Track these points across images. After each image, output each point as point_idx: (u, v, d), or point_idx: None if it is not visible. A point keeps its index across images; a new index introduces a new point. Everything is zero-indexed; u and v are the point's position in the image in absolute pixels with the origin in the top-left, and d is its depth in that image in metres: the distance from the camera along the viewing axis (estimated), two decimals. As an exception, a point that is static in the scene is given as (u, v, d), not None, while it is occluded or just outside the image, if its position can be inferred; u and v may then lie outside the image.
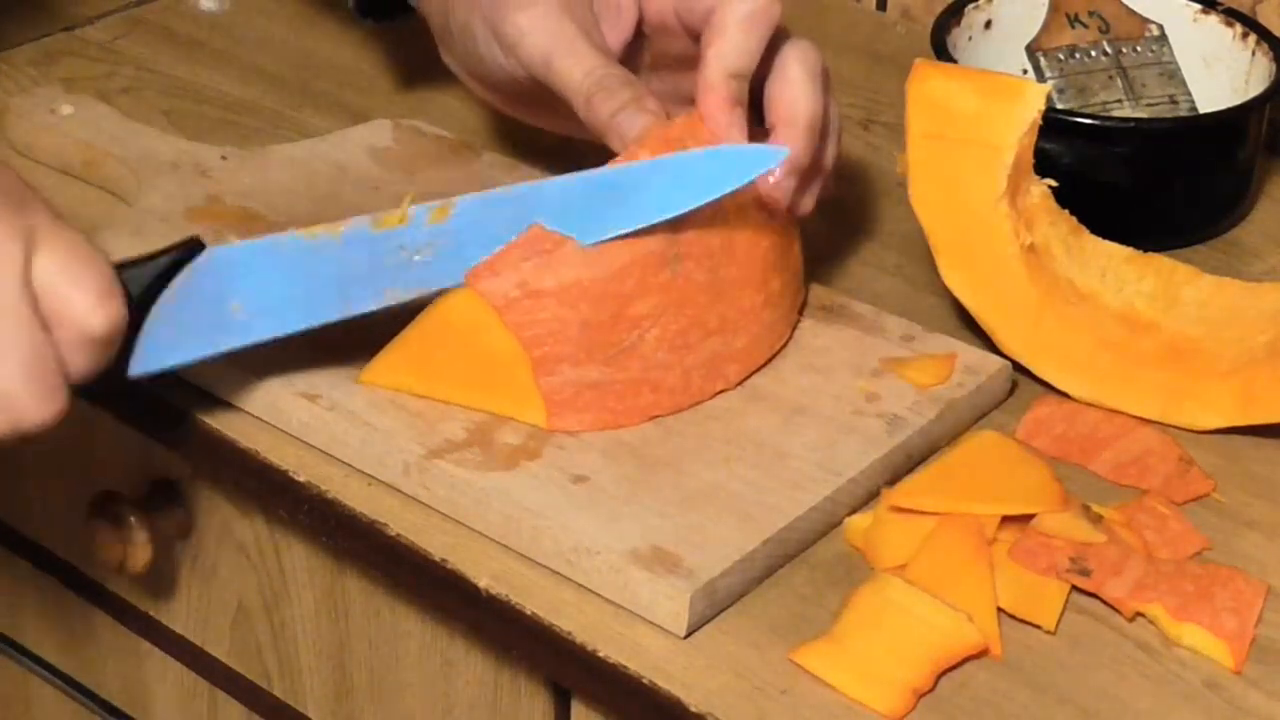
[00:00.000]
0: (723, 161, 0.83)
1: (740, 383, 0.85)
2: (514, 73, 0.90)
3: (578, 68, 0.86)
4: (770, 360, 0.87)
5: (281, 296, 0.81)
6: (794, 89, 0.86)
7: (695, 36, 0.88)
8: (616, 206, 0.81)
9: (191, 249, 0.79)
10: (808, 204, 0.88)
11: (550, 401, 0.82)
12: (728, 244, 0.84)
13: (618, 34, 0.91)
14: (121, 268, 0.76)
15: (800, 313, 0.89)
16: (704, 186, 0.82)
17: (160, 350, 0.79)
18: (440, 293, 0.82)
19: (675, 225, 0.82)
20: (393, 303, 0.82)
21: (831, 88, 0.89)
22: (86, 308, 0.73)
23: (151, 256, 0.79)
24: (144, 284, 0.78)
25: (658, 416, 0.83)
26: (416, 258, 0.82)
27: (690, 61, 0.88)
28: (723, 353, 0.84)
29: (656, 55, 0.93)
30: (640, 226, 0.81)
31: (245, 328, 0.80)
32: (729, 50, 0.85)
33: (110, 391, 0.80)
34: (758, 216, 0.85)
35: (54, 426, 0.74)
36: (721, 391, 0.85)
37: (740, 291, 0.84)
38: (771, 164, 0.84)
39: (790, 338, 0.88)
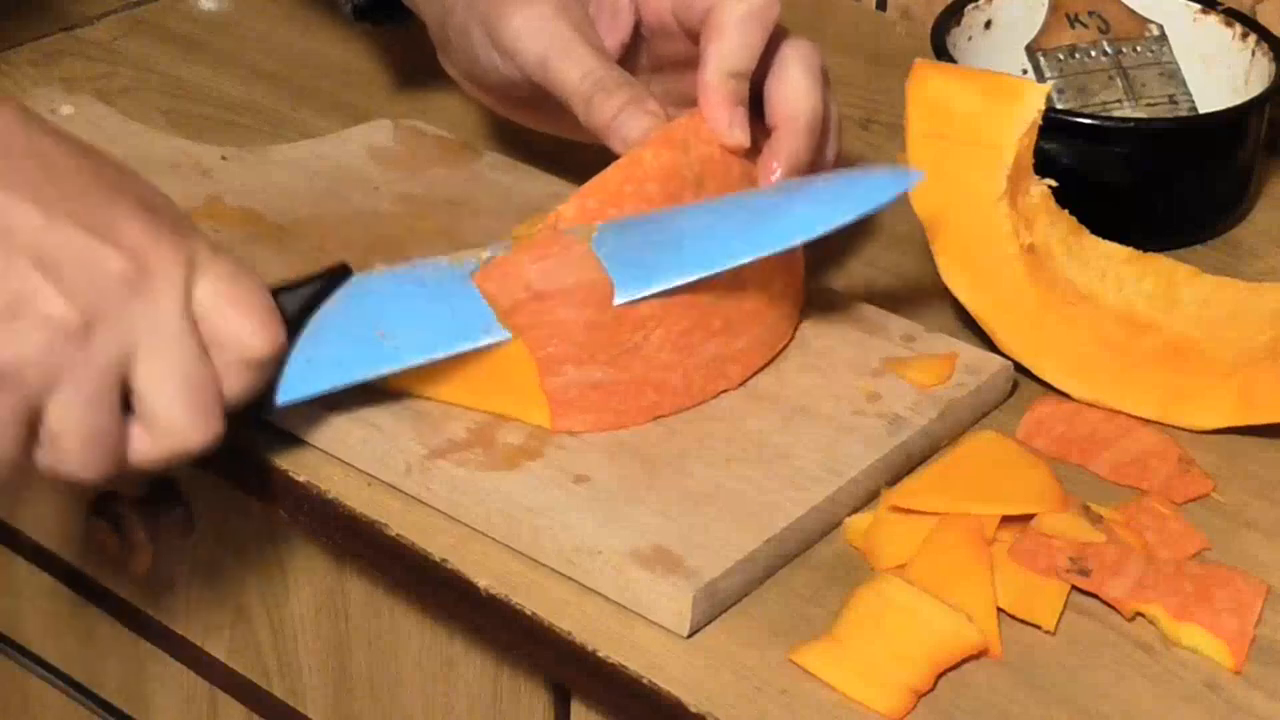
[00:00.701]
0: (863, 185, 0.83)
1: (742, 383, 0.86)
2: (512, 76, 0.90)
3: (575, 69, 0.86)
4: (772, 360, 0.87)
5: (426, 322, 0.81)
6: (794, 88, 0.87)
7: (694, 37, 0.88)
8: (755, 229, 0.81)
9: (338, 274, 0.80)
10: None
11: (554, 402, 0.82)
12: None
13: (615, 36, 0.91)
14: (273, 293, 0.77)
15: (801, 313, 0.90)
16: (843, 209, 0.81)
17: (306, 377, 0.79)
18: None
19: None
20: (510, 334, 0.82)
21: (831, 86, 0.89)
22: (249, 330, 0.74)
23: (301, 282, 0.79)
24: (294, 309, 0.78)
25: (660, 417, 0.83)
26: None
27: (689, 63, 0.88)
28: (725, 353, 0.84)
29: (655, 57, 0.93)
30: (779, 249, 0.81)
31: (391, 354, 0.80)
32: (728, 50, 0.85)
33: (257, 423, 0.80)
34: None
35: (210, 450, 0.75)
36: (724, 391, 0.85)
37: (743, 292, 0.84)
38: (906, 187, 0.84)
39: (792, 338, 0.88)
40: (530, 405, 0.82)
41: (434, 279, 0.81)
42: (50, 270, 0.70)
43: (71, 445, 0.72)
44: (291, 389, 0.79)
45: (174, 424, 0.73)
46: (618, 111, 0.85)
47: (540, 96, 0.90)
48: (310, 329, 0.79)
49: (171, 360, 0.72)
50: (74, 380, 0.71)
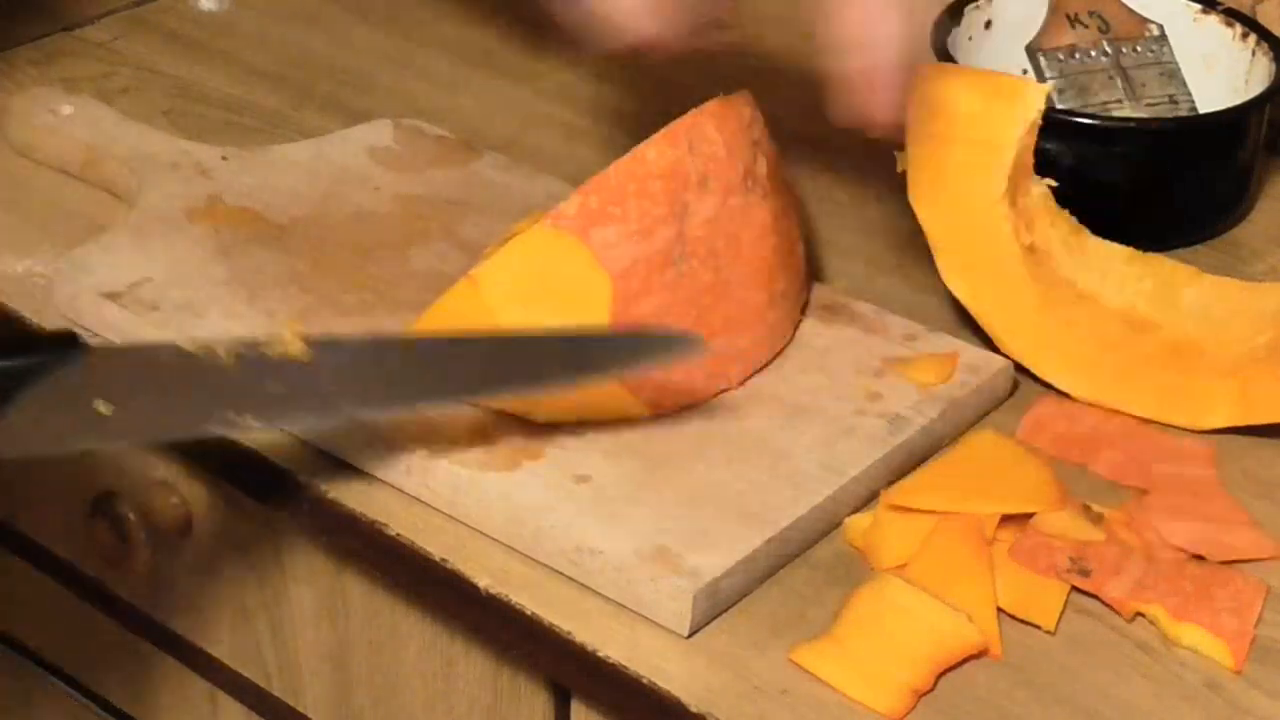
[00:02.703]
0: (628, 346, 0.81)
1: (743, 382, 0.85)
2: None
3: None
4: (772, 360, 0.87)
5: (153, 405, 0.78)
6: (877, 16, 0.83)
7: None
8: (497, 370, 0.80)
9: (63, 344, 0.77)
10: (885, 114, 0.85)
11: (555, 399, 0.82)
12: (733, 243, 0.84)
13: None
14: None
15: (803, 312, 0.90)
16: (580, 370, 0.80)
17: (14, 439, 0.76)
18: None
19: (682, 224, 0.82)
20: (254, 428, 0.79)
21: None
22: None
23: (23, 344, 0.77)
24: (6, 384, 0.75)
25: (659, 415, 0.83)
26: (303, 396, 0.79)
27: None
28: (726, 352, 0.84)
29: None
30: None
31: (110, 430, 0.77)
32: (870, 21, 0.82)
33: None
34: (763, 216, 0.85)
35: None
36: (724, 391, 0.85)
37: (745, 291, 0.84)
38: (674, 353, 0.81)
39: (792, 337, 0.88)
40: (531, 402, 0.82)
41: (174, 362, 0.78)
42: None
43: None
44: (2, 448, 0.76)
45: None
46: None
47: None
48: (25, 392, 0.75)
49: None
50: None
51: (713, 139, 0.84)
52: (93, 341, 0.78)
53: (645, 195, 0.82)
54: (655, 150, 0.83)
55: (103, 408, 0.76)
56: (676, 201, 0.82)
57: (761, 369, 0.86)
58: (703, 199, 0.83)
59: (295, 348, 0.78)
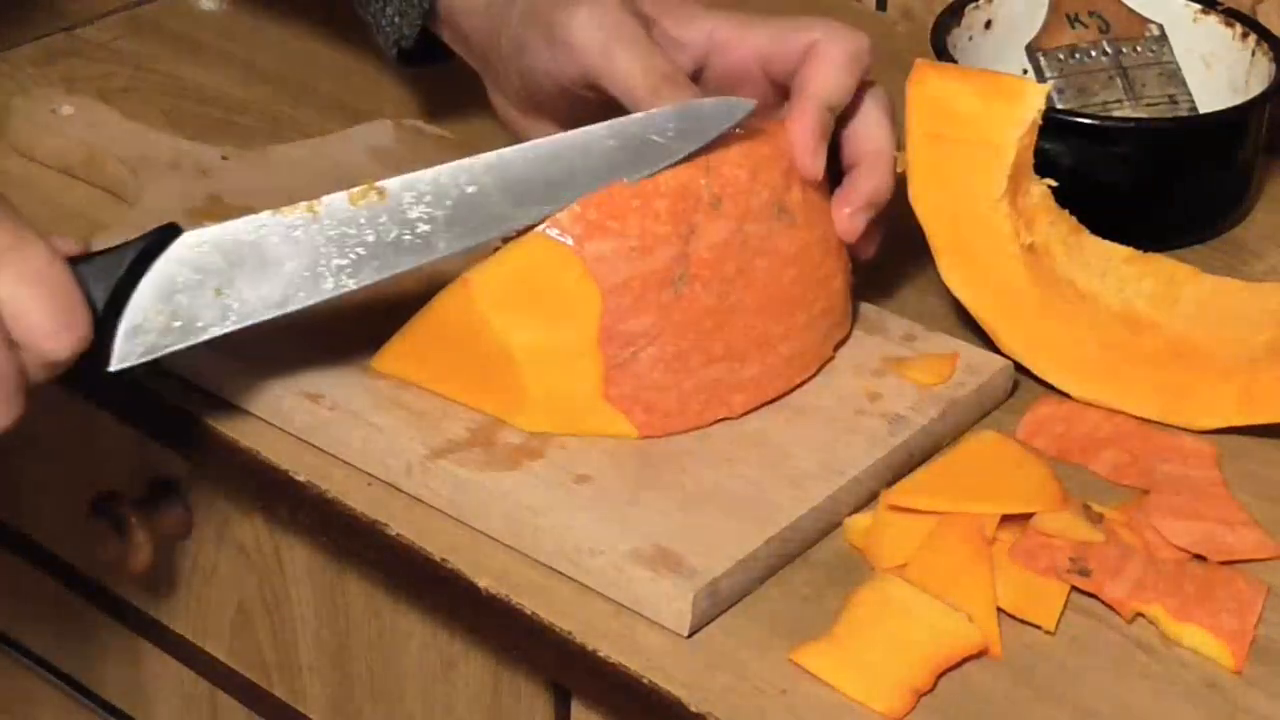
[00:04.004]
0: (701, 115, 0.83)
1: (746, 413, 0.84)
2: (562, 80, 0.89)
3: (639, 61, 0.86)
4: (790, 392, 0.86)
5: (265, 278, 0.79)
6: (877, 132, 0.88)
7: (778, 83, 0.89)
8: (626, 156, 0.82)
9: (166, 234, 0.78)
10: (869, 247, 0.90)
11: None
12: (745, 270, 0.83)
13: None
14: (95, 258, 0.76)
15: (837, 348, 0.88)
16: (693, 137, 0.82)
17: (142, 341, 0.78)
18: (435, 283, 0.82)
19: (686, 245, 0.82)
20: (372, 281, 0.81)
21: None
22: (45, 334, 0.73)
23: (124, 245, 0.78)
24: (118, 275, 0.77)
25: (650, 437, 0.83)
26: (399, 235, 0.81)
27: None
28: (727, 380, 0.83)
29: None
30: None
31: (231, 312, 0.79)
32: (831, 84, 0.86)
33: (93, 385, 0.79)
34: (787, 246, 0.84)
35: (12, 430, 0.74)
36: (723, 419, 0.84)
37: (754, 320, 0.84)
38: (738, 115, 0.84)
39: (816, 373, 0.87)
40: (517, 409, 0.82)
41: (269, 233, 0.80)
42: None
43: None
44: (127, 354, 0.77)
45: None
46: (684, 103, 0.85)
47: (589, 110, 0.90)
48: (142, 290, 0.77)
49: None
50: None
51: (736, 162, 0.83)
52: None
53: (649, 212, 0.81)
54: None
55: (215, 290, 0.78)
56: (683, 222, 0.82)
57: (775, 400, 0.85)
58: (714, 221, 0.82)
59: (375, 191, 0.81)
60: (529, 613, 0.77)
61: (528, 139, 0.97)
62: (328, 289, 0.80)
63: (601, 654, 0.75)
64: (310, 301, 0.80)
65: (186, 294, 0.78)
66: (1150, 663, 0.76)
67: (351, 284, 0.80)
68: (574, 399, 0.82)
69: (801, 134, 0.85)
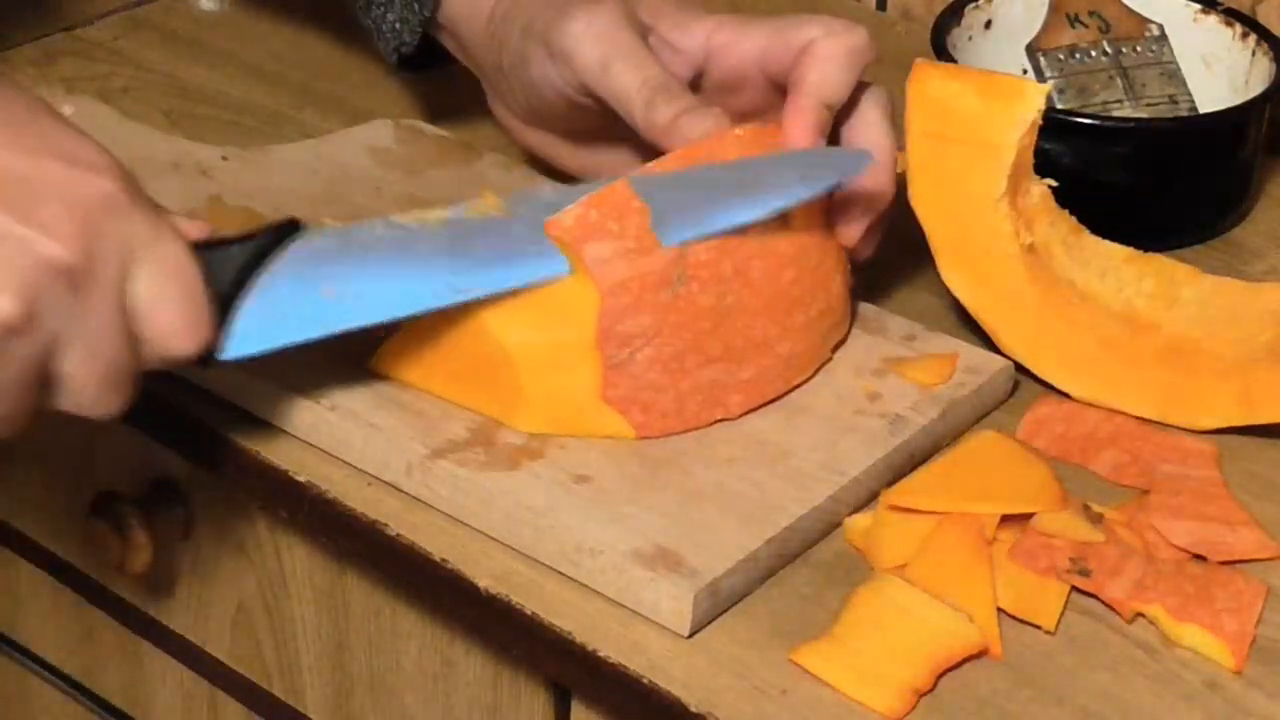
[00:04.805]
0: (818, 161, 0.85)
1: (743, 414, 0.84)
2: (564, 90, 0.89)
3: (636, 73, 0.86)
4: (788, 392, 0.86)
5: (377, 283, 0.79)
6: (875, 131, 0.88)
7: (777, 84, 0.89)
8: (718, 200, 0.82)
9: (287, 229, 0.78)
10: (868, 249, 0.90)
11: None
12: (742, 271, 0.83)
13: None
14: (216, 246, 0.76)
15: (835, 349, 0.88)
16: (800, 185, 0.83)
17: (252, 335, 0.77)
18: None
19: (685, 245, 0.82)
20: (482, 293, 0.81)
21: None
22: (173, 333, 0.73)
23: (246, 236, 0.77)
24: (237, 266, 0.77)
25: (648, 438, 0.83)
26: (511, 248, 0.81)
27: (748, 117, 0.88)
28: (725, 381, 0.83)
29: None
30: (741, 223, 0.82)
31: (339, 314, 0.79)
32: (829, 81, 0.86)
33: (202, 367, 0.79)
34: (785, 248, 0.84)
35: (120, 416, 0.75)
36: (721, 420, 0.84)
37: (752, 320, 0.83)
38: (861, 167, 0.85)
39: (814, 374, 0.87)
40: (514, 410, 0.82)
41: (386, 238, 0.80)
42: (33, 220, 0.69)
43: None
44: (237, 346, 0.77)
45: (85, 396, 0.73)
46: (680, 112, 0.85)
47: (590, 119, 0.90)
48: (258, 285, 0.77)
49: (98, 347, 0.72)
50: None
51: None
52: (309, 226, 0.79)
53: (645, 212, 0.81)
54: (666, 168, 0.82)
55: (328, 290, 0.78)
56: None
57: (774, 400, 0.85)
58: None
59: (492, 205, 0.81)
60: (529, 613, 0.77)
61: (528, 146, 0.97)
62: (437, 298, 0.80)
63: (601, 654, 0.75)
64: (416, 310, 0.80)
65: (300, 291, 0.78)
66: (1150, 663, 0.76)
67: (462, 296, 0.80)
68: (572, 400, 0.82)
69: (799, 131, 0.85)
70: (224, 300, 0.76)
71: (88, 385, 0.72)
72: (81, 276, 0.70)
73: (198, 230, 0.76)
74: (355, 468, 0.83)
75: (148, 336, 0.73)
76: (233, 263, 0.77)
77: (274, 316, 0.78)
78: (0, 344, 0.69)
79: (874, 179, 0.87)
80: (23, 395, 0.71)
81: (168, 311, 0.73)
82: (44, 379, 0.72)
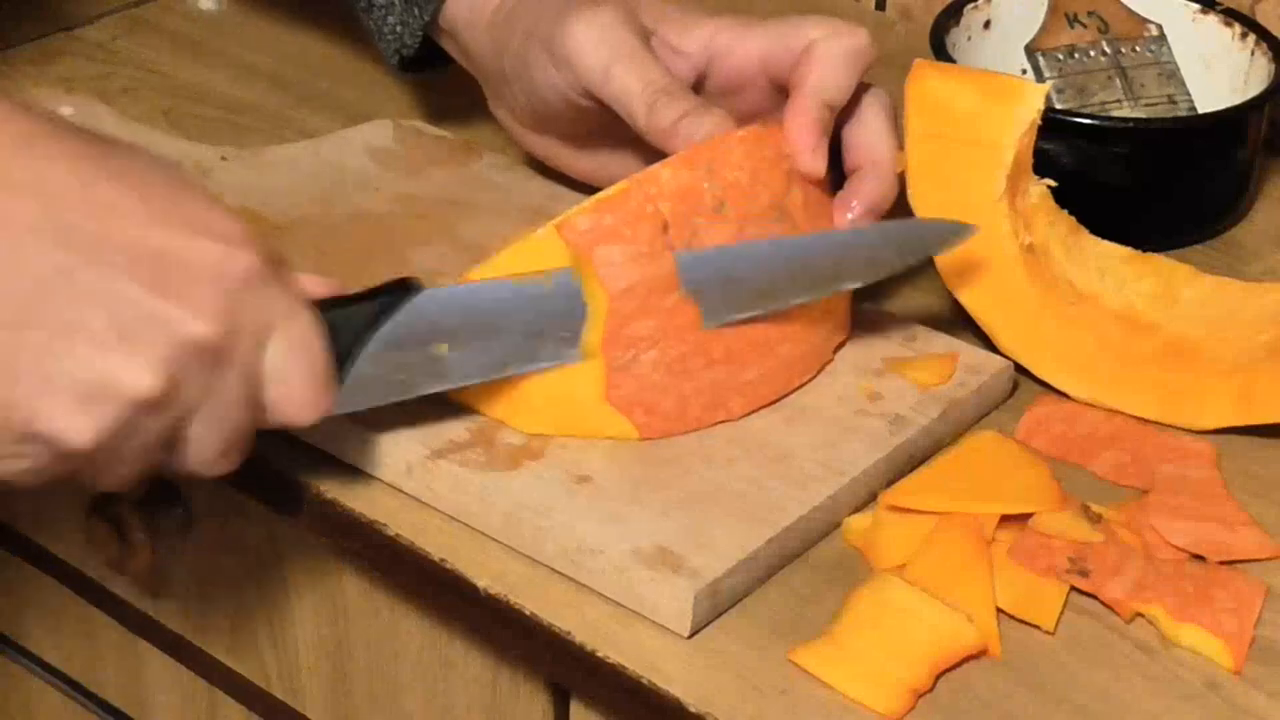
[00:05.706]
0: (918, 232, 0.86)
1: (744, 416, 0.84)
2: (567, 94, 0.89)
3: (638, 76, 0.86)
4: (788, 394, 0.86)
5: (488, 341, 0.80)
6: (876, 134, 0.89)
7: (779, 84, 0.89)
8: (810, 272, 0.83)
9: (407, 289, 0.78)
10: None
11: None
12: None
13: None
14: (337, 308, 0.76)
15: (836, 350, 0.88)
16: (898, 256, 0.85)
17: (361, 391, 0.78)
18: None
19: (689, 249, 0.81)
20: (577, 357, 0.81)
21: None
22: (295, 405, 0.74)
23: (365, 295, 0.78)
24: (354, 328, 0.77)
25: (649, 439, 0.83)
26: None
27: (750, 119, 0.88)
28: (727, 383, 0.83)
29: None
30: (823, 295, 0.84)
31: (448, 371, 0.79)
32: (830, 82, 0.86)
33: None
34: None
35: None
36: (722, 422, 0.84)
37: (754, 323, 0.84)
38: (962, 238, 0.86)
39: (814, 376, 0.87)
40: (516, 411, 0.82)
41: (500, 297, 0.80)
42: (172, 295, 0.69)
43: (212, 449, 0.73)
44: (347, 403, 0.77)
45: (205, 459, 0.73)
46: (682, 115, 0.85)
47: (593, 122, 0.90)
48: (374, 344, 0.77)
49: (221, 418, 0.72)
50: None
51: (737, 165, 0.83)
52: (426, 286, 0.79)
53: (656, 217, 0.81)
54: (670, 171, 0.82)
55: (441, 349, 0.78)
56: (686, 226, 0.82)
57: (774, 402, 0.85)
58: (715, 225, 0.82)
59: None
60: (528, 613, 0.77)
61: (530, 150, 0.97)
62: (545, 360, 0.81)
63: (601, 654, 0.75)
64: (524, 370, 0.81)
65: (415, 351, 0.78)
66: (1150, 663, 0.76)
67: (569, 357, 0.81)
68: (576, 401, 0.82)
69: (800, 132, 0.85)
70: (340, 359, 0.76)
71: (209, 449, 0.73)
72: (222, 354, 0.70)
73: (324, 289, 0.76)
74: (355, 468, 0.83)
75: (271, 403, 0.73)
76: (353, 325, 0.77)
77: (386, 374, 0.78)
78: (136, 418, 0.69)
79: (876, 182, 0.87)
80: (145, 458, 0.72)
81: (294, 384, 0.73)
82: (169, 444, 0.72)
